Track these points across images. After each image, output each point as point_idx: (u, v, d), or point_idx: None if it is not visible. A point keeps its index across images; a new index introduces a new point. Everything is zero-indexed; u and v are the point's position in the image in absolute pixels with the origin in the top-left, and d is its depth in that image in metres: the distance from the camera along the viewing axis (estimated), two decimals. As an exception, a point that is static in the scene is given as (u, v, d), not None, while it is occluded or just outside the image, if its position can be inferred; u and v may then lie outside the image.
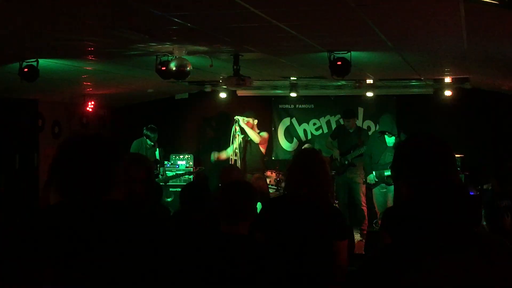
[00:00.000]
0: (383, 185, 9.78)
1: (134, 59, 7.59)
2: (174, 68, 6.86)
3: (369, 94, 11.54)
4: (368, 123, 12.36)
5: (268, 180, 10.60)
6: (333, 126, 12.34)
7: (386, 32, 6.03)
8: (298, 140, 12.79)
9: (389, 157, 9.44)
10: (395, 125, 9.94)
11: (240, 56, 7.53)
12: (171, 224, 5.02)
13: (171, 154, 12.19)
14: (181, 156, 12.22)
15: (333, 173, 10.11)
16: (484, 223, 5.37)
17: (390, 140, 9.67)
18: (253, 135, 9.69)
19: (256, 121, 9.90)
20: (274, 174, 11.09)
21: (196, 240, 3.75)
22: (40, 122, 10.97)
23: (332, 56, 7.19)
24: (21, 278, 1.86)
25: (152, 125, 10.87)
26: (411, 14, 5.22)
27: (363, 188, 10.34)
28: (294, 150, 12.56)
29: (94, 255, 1.92)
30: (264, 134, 9.91)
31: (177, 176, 11.58)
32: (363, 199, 10.32)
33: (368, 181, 9.96)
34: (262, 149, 9.86)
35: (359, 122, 12.01)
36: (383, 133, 9.82)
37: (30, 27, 5.61)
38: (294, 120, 12.89)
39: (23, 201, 9.88)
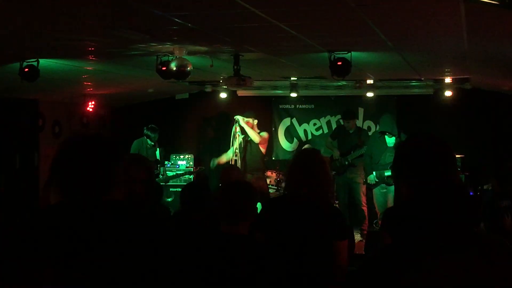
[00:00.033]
0: (383, 185, 9.78)
1: (134, 59, 7.60)
2: (174, 68, 6.87)
3: (370, 94, 11.54)
4: (369, 123, 12.36)
5: (268, 180, 10.60)
6: (334, 126, 12.33)
7: (387, 32, 6.03)
8: (298, 140, 12.79)
9: (389, 157, 9.44)
10: (395, 126, 9.94)
11: (240, 56, 7.53)
12: (171, 224, 5.02)
13: (172, 154, 12.19)
14: (182, 156, 12.22)
15: (333, 173, 10.11)
16: (482, 223, 5.36)
17: (390, 141, 9.67)
18: (253, 135, 9.69)
19: (256, 121, 9.89)
20: (274, 174, 11.09)
21: (196, 240, 3.75)
22: (41, 122, 10.97)
23: (332, 56, 7.19)
24: (21, 278, 1.86)
25: (152, 125, 10.87)
26: (411, 14, 5.22)
27: (363, 188, 10.33)
28: (294, 150, 12.55)
29: (94, 255, 1.91)
30: (264, 134, 9.91)
31: (177, 176, 11.57)
32: (363, 199, 10.32)
33: (368, 181, 9.96)
34: (262, 149, 9.86)
35: (359, 123, 12.01)
36: (383, 133, 9.82)
37: (30, 27, 5.61)
38: (294, 120, 12.89)
39: (23, 201, 9.89)
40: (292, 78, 10.83)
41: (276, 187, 10.84)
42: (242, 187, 3.73)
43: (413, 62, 8.50)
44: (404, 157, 2.14)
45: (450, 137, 10.40)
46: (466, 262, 1.88)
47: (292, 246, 4.05)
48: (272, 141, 12.34)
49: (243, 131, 9.75)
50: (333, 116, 12.57)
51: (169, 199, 11.18)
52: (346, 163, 10.42)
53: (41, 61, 7.27)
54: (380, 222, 9.52)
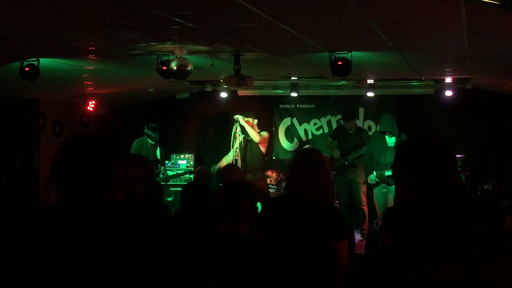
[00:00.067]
0: (384, 185, 9.78)
1: (135, 58, 7.60)
2: (175, 68, 6.87)
3: (370, 94, 11.53)
4: (369, 123, 12.35)
5: (268, 180, 10.60)
6: (334, 126, 12.32)
7: (387, 32, 6.03)
8: (298, 140, 12.78)
9: (389, 157, 9.43)
10: (396, 125, 9.94)
11: (241, 56, 7.53)
12: (171, 224, 5.03)
13: (172, 154, 12.19)
14: (182, 156, 12.21)
15: (333, 173, 10.11)
16: (482, 223, 5.35)
17: (390, 140, 9.67)
18: (254, 134, 9.68)
19: (256, 121, 9.89)
20: (274, 174, 11.09)
21: (196, 240, 3.75)
22: (41, 122, 10.97)
23: (333, 56, 7.19)
24: (21, 278, 1.86)
25: (153, 124, 10.87)
26: (411, 14, 5.22)
27: (363, 188, 10.33)
28: (295, 150, 12.55)
29: (94, 255, 1.92)
30: (265, 134, 9.90)
31: (177, 175, 11.57)
32: (364, 199, 10.32)
33: (368, 181, 9.96)
34: (263, 149, 9.85)
35: (359, 122, 12.00)
36: (383, 133, 9.81)
37: (30, 27, 5.61)
38: (294, 120, 12.88)
39: (23, 201, 9.89)
40: (292, 78, 10.83)
41: (276, 187, 10.84)
42: (242, 187, 3.73)
43: (413, 62, 8.50)
44: (404, 157, 2.14)
45: (451, 137, 10.40)
46: (466, 262, 1.88)
47: (292, 246, 4.04)
48: (272, 140, 12.33)
49: (243, 130, 9.75)
50: (334, 116, 12.57)
51: (169, 199, 11.18)
52: (346, 163, 10.41)
53: (42, 60, 7.27)
54: (380, 222, 9.52)
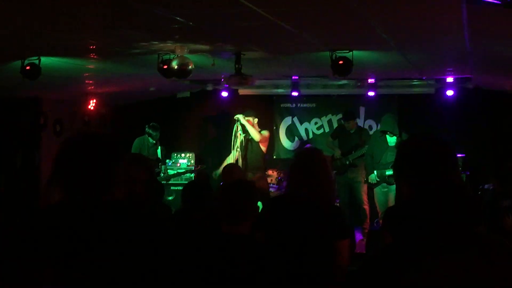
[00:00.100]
0: (385, 184, 9.77)
1: (136, 57, 7.60)
2: (176, 67, 6.87)
3: (371, 93, 11.52)
4: (370, 122, 12.34)
5: (269, 179, 10.59)
6: (335, 125, 12.31)
7: (388, 31, 6.03)
8: (299, 139, 12.78)
9: (390, 157, 9.42)
10: (397, 125, 9.93)
11: (242, 55, 7.53)
12: (171, 223, 5.02)
13: (173, 153, 12.18)
14: (183, 155, 12.20)
15: (334, 173, 10.10)
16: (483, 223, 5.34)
17: (391, 140, 9.66)
18: (254, 133, 9.68)
19: (256, 120, 9.89)
20: (275, 173, 11.08)
21: (196, 240, 3.75)
22: (42, 120, 10.97)
23: (334, 55, 7.19)
24: (21, 278, 1.86)
25: (154, 123, 10.87)
26: (413, 13, 5.22)
27: (364, 187, 10.32)
28: (295, 149, 12.54)
29: (94, 255, 1.92)
30: (265, 133, 9.90)
31: (178, 174, 11.57)
32: (365, 198, 10.31)
33: (369, 180, 9.95)
34: (263, 148, 9.85)
35: (360, 122, 11.99)
36: (384, 132, 9.80)
37: (31, 26, 5.61)
38: (295, 119, 12.87)
39: (24, 199, 9.89)
40: (293, 77, 10.82)
41: (277, 186, 10.83)
42: (243, 186, 3.72)
43: (414, 61, 8.50)
44: (405, 157, 2.15)
45: (452, 136, 10.40)
46: (466, 262, 1.88)
47: (292, 246, 4.04)
48: (273, 140, 12.32)
49: (244, 129, 9.75)
50: (335, 115, 12.55)
51: (170, 198, 11.18)
52: (347, 162, 10.41)
53: (43, 59, 7.27)
54: (381, 221, 9.52)
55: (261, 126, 10.02)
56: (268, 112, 12.60)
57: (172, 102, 13.04)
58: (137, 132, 11.14)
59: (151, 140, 10.83)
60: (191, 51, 6.94)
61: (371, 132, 11.37)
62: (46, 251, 1.88)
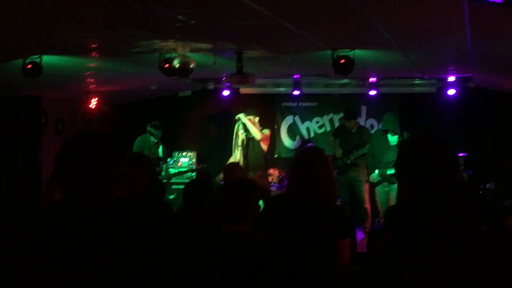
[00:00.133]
0: (386, 183, 9.76)
1: (137, 56, 7.60)
2: (177, 66, 6.87)
3: (372, 92, 11.51)
4: (371, 121, 12.33)
5: (270, 178, 10.59)
6: (336, 124, 12.30)
7: (390, 30, 6.03)
8: (301, 138, 12.77)
9: (391, 156, 9.41)
10: (398, 124, 9.91)
11: (243, 54, 7.53)
12: (172, 223, 5.02)
13: (174, 151, 12.17)
14: (184, 153, 12.18)
15: (335, 172, 10.09)
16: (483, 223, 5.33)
17: (393, 139, 9.65)
18: (255, 132, 9.68)
19: (257, 119, 9.88)
20: (276, 172, 11.08)
21: (196, 240, 3.75)
22: (43, 119, 10.98)
23: (335, 54, 7.19)
24: (21, 278, 1.86)
25: (155, 122, 10.87)
26: (414, 12, 5.22)
27: (366, 186, 10.32)
28: (297, 148, 12.54)
29: (94, 255, 1.92)
30: (266, 131, 9.90)
31: (180, 173, 11.57)
32: (366, 197, 10.31)
33: (371, 179, 9.94)
34: (264, 147, 9.84)
35: (362, 121, 11.98)
36: (386, 131, 9.79)
37: (33, 25, 5.61)
38: (297, 118, 12.86)
39: (26, 198, 9.89)
40: (295, 76, 10.82)
41: (278, 185, 10.83)
42: (243, 186, 3.71)
43: (416, 60, 8.49)
44: (406, 156, 2.15)
45: (453, 135, 10.39)
46: (466, 262, 1.88)
47: (292, 245, 4.03)
48: (274, 139, 12.31)
49: (245, 128, 9.75)
50: (336, 114, 12.54)
51: (171, 197, 11.17)
52: (349, 162, 10.40)
53: (44, 57, 7.27)
54: (382, 220, 9.51)
55: (263, 125, 10.02)
56: (269, 111, 12.59)
57: (174, 100, 13.04)
58: (138, 130, 11.14)
59: (152, 139, 10.83)
60: (193, 50, 6.94)
61: (372, 131, 11.36)
62: (46, 251, 1.89)
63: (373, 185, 10.07)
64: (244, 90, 12.36)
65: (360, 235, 9.86)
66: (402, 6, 5.02)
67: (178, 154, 12.12)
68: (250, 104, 10.61)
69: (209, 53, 7.38)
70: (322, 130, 12.70)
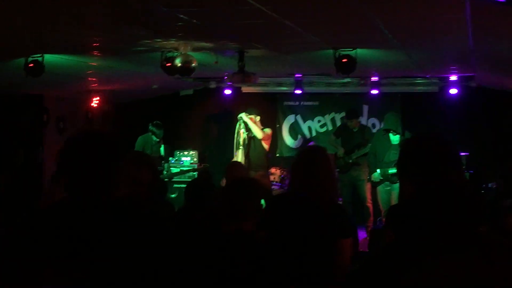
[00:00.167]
0: (387, 183, 9.76)
1: (139, 55, 7.60)
2: (179, 64, 6.87)
3: (374, 91, 11.51)
4: (373, 120, 12.33)
5: (272, 177, 10.60)
6: (338, 123, 12.31)
7: (392, 30, 6.02)
8: (302, 137, 12.77)
9: (393, 155, 9.40)
10: (400, 123, 9.90)
11: (245, 53, 7.53)
12: (173, 222, 5.02)
13: (176, 150, 12.18)
14: (186, 152, 12.20)
15: (337, 171, 10.09)
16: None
17: (394, 138, 9.64)
18: (257, 131, 9.69)
19: (258, 118, 9.89)
20: (278, 171, 11.08)
21: (197, 239, 3.75)
22: (45, 117, 10.98)
23: (337, 54, 7.19)
24: (21, 278, 1.86)
25: (157, 122, 10.88)
26: (417, 11, 5.21)
27: (368, 186, 10.32)
28: (298, 147, 12.54)
29: (94, 255, 1.92)
30: (268, 130, 9.90)
31: (181, 172, 11.58)
32: (368, 196, 10.31)
33: (372, 179, 9.94)
34: (266, 146, 9.85)
35: (363, 120, 11.98)
36: (387, 131, 9.78)
37: (35, 24, 5.62)
38: (298, 117, 12.86)
39: (27, 197, 9.90)
40: (296, 75, 10.82)
41: (280, 184, 10.83)
42: (244, 186, 3.70)
43: (418, 60, 8.49)
44: (408, 155, 2.15)
45: (455, 135, 10.39)
46: (466, 262, 1.88)
47: (293, 245, 4.02)
48: (276, 138, 12.31)
49: (246, 127, 9.75)
50: (338, 113, 12.54)
51: (173, 195, 11.19)
52: (350, 161, 10.40)
53: (46, 56, 7.28)
54: (384, 219, 9.50)
55: (264, 124, 10.02)
56: (271, 110, 12.59)
57: (175, 99, 13.05)
58: (140, 129, 11.15)
59: (154, 138, 10.84)
60: (195, 49, 6.94)
61: (374, 131, 11.36)
62: (46, 251, 1.89)
63: (374, 185, 10.06)
64: (246, 89, 12.36)
65: (362, 235, 9.85)
66: (404, 5, 5.01)
67: (179, 153, 12.13)
68: (252, 103, 10.61)
69: (211, 52, 7.38)
70: (324, 129, 12.70)
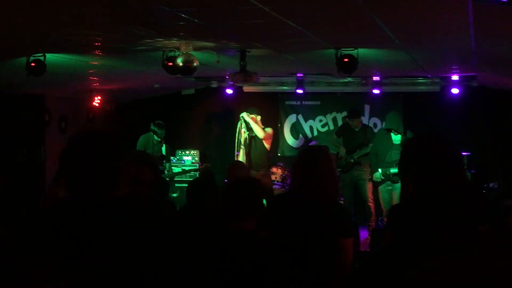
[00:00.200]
0: (389, 182, 9.76)
1: (141, 54, 7.60)
2: (180, 64, 6.87)
3: (376, 91, 11.51)
4: (375, 120, 12.34)
5: (273, 177, 10.59)
6: (340, 123, 12.31)
7: (394, 30, 6.02)
8: (304, 137, 12.77)
9: (395, 155, 9.41)
10: (402, 123, 9.91)
11: (246, 52, 7.53)
12: (174, 222, 5.02)
13: (177, 150, 12.19)
14: (187, 152, 12.21)
15: (338, 171, 10.10)
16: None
17: (396, 138, 9.65)
18: (258, 130, 9.69)
19: (259, 117, 9.89)
20: (280, 171, 11.07)
21: (198, 238, 3.75)
22: (47, 117, 10.99)
23: (339, 53, 7.19)
24: (21, 278, 1.86)
25: (159, 121, 10.88)
26: (418, 11, 5.21)
27: (369, 185, 10.32)
28: (300, 146, 12.54)
29: (95, 254, 1.92)
30: (269, 130, 9.91)
31: (183, 172, 11.59)
32: (370, 195, 10.31)
33: (374, 178, 9.94)
34: (267, 145, 9.85)
35: (365, 120, 11.98)
36: (389, 130, 9.79)
37: (36, 23, 5.62)
38: (300, 117, 12.86)
39: (28, 196, 9.91)
40: (298, 75, 10.82)
41: (281, 184, 10.83)
42: (245, 185, 3.70)
43: (419, 59, 8.48)
44: (410, 155, 2.15)
45: (457, 134, 10.40)
46: (466, 262, 1.88)
47: (294, 245, 4.02)
48: (277, 137, 12.32)
49: (248, 127, 9.75)
50: (339, 113, 12.54)
51: (174, 195, 11.19)
52: (352, 161, 10.40)
53: (48, 56, 7.28)
54: (385, 219, 9.51)
55: (266, 123, 10.02)
56: (272, 109, 12.60)
57: (177, 99, 13.05)
58: (141, 129, 11.15)
59: (156, 137, 10.84)
60: (196, 48, 6.94)
61: (375, 130, 11.35)
62: (46, 251, 1.89)
63: (376, 184, 10.06)
64: (247, 88, 12.37)
65: (364, 234, 9.86)
66: (406, 5, 5.01)
67: (181, 152, 12.14)
68: (253, 103, 10.62)
69: (212, 51, 7.38)
70: (325, 129, 12.70)
